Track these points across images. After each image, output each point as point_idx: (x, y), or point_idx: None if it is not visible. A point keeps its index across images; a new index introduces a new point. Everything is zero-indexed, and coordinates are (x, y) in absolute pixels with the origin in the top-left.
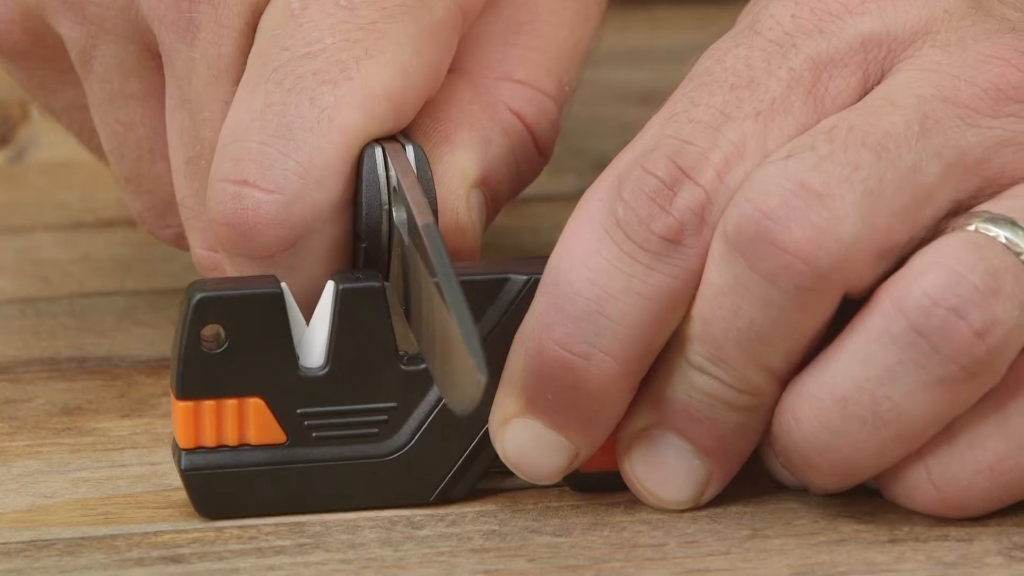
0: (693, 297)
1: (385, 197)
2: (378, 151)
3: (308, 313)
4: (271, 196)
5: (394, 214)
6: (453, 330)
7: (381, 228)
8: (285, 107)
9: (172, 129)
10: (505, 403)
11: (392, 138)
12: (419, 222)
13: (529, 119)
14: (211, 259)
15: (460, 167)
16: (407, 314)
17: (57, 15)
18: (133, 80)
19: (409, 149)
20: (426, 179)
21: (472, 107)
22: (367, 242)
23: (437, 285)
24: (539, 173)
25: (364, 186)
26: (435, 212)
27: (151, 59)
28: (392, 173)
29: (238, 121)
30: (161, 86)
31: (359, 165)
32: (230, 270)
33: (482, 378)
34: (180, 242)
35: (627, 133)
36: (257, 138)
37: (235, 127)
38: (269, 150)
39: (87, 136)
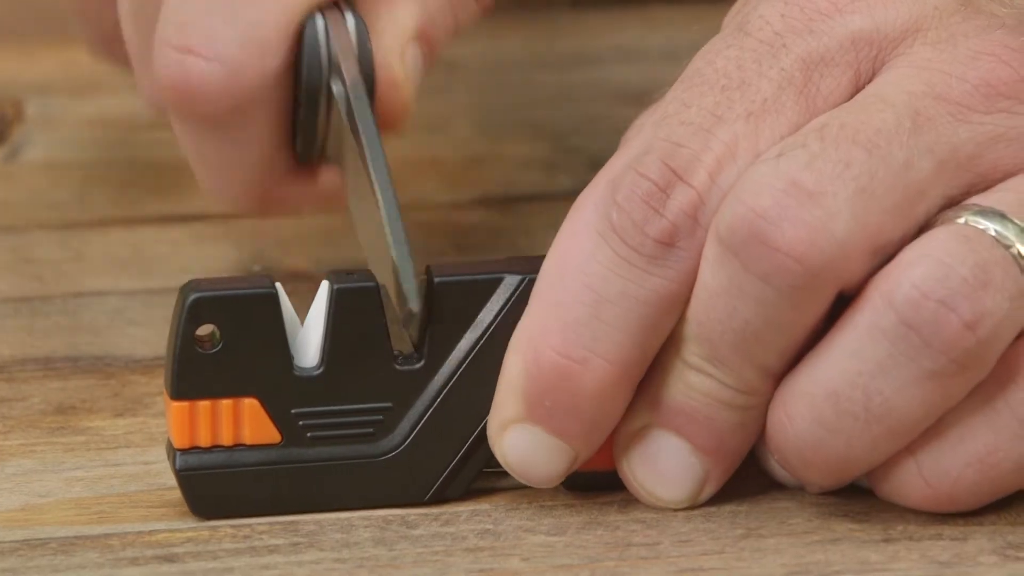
0: (688, 298)
1: (325, 68)
2: (319, 22)
3: (302, 312)
4: (213, 65)
5: (333, 88)
6: (384, 227)
7: (320, 99)
8: None
9: None
10: (504, 408)
11: (334, 4)
12: (351, 96)
13: None
14: (158, 99)
15: (398, 22)
16: (347, 190)
17: None
18: None
19: (349, 19)
20: (364, 49)
21: None
22: (305, 113)
23: (369, 178)
24: (476, 21)
25: (305, 57)
26: (371, 85)
27: None
28: (333, 44)
29: None
30: None
31: (300, 34)
32: (175, 127)
33: (414, 309)
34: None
35: (622, 133)
36: (203, 5)
37: None
38: (214, 18)
39: None
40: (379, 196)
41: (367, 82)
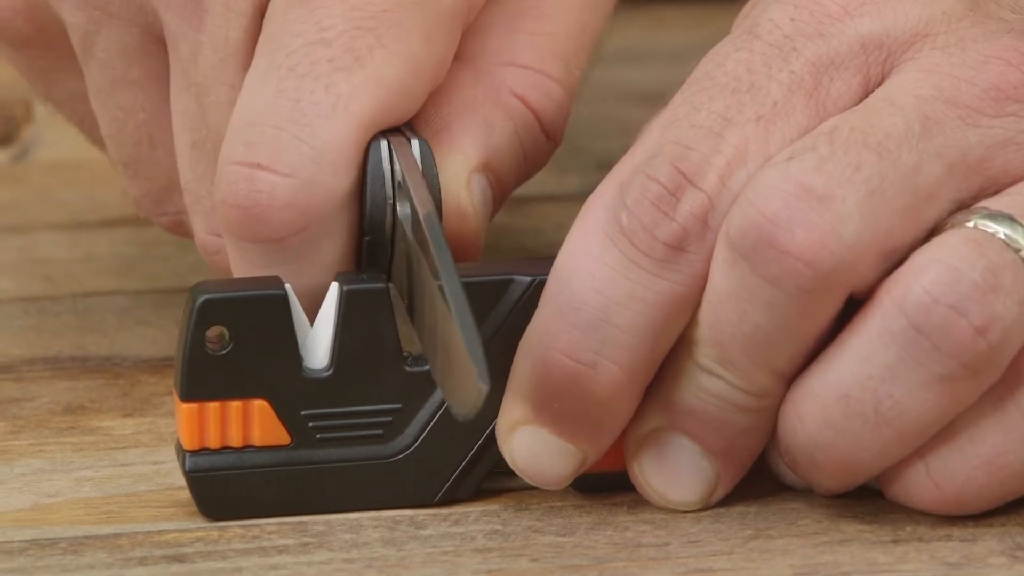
0: (699, 301)
1: (389, 191)
2: (383, 144)
3: (311, 313)
4: (286, 180)
5: (398, 209)
6: (455, 335)
7: (385, 222)
8: (299, 93)
9: (176, 113)
10: (512, 410)
11: (397, 131)
12: (420, 212)
13: (533, 102)
14: (215, 243)
15: (461, 152)
16: (410, 312)
17: (60, 1)
18: (135, 65)
19: (414, 143)
20: (431, 173)
21: (474, 93)
22: (371, 236)
23: (440, 288)
24: (548, 158)
25: (369, 179)
26: (439, 206)
27: (154, 43)
28: (397, 167)
29: (250, 105)
30: (163, 72)
31: (364, 158)
32: (234, 255)
33: (483, 387)
34: (177, 229)
35: (630, 133)
36: (271, 122)
37: (247, 111)
38: (283, 134)
39: (88, 126)
40: (456, 321)
41: (435, 205)
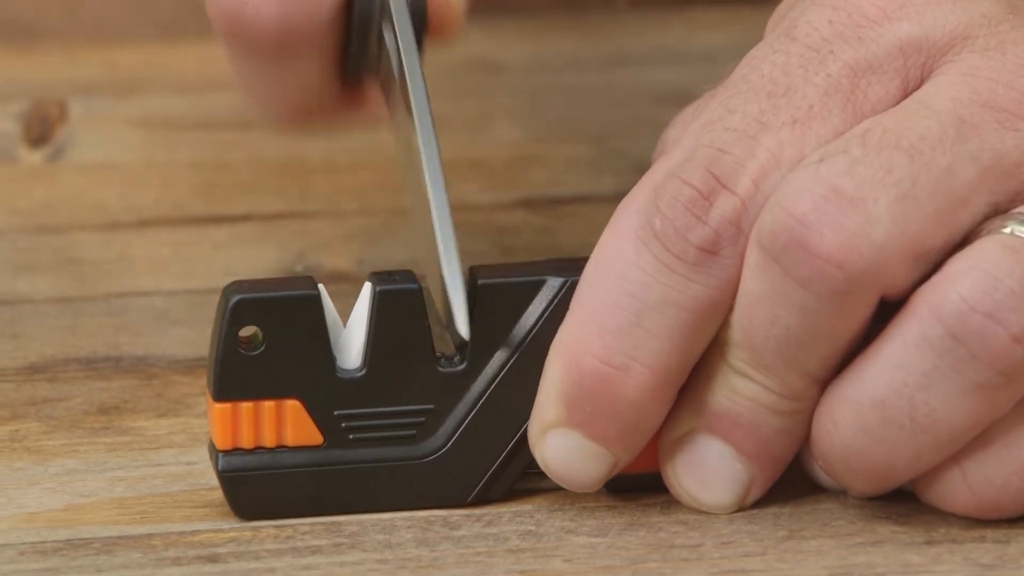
0: (731, 305)
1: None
2: None
3: (344, 313)
4: None
5: (385, 36)
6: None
7: (371, 37)
8: None
9: None
10: (544, 413)
11: None
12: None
13: None
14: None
15: None
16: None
17: None
18: None
19: None
20: None
21: None
22: (356, 48)
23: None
24: None
25: None
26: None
27: None
28: None
29: None
30: None
31: None
32: (225, 54)
33: (465, 337)
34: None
35: None
36: None
37: None
38: None
39: None
40: (432, 201)
41: (417, 15)
